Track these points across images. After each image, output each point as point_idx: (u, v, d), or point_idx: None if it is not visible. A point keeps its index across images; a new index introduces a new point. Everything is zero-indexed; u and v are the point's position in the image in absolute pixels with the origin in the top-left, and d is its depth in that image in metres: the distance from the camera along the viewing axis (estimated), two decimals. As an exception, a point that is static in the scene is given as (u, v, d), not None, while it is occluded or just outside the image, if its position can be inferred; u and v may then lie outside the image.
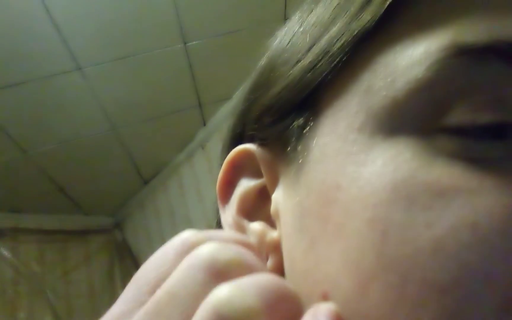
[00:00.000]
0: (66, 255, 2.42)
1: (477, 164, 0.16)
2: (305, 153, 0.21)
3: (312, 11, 0.23)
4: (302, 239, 0.20)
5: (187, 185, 2.19)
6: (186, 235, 0.18)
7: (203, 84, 1.85)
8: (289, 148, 0.22)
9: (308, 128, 0.21)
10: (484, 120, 0.16)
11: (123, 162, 2.16)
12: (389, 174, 0.17)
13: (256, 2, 1.56)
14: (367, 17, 0.19)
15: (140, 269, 0.18)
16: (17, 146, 1.84)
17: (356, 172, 0.18)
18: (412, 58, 0.17)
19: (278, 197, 0.23)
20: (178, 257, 0.17)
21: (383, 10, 0.18)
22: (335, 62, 0.20)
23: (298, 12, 0.25)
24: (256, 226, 0.23)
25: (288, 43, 0.23)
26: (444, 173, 0.16)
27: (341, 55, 0.19)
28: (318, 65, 0.20)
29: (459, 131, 0.16)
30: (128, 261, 2.48)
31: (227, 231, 0.22)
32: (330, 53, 0.20)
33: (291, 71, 0.22)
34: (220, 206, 0.25)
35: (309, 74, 0.21)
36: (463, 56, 0.16)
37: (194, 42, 1.66)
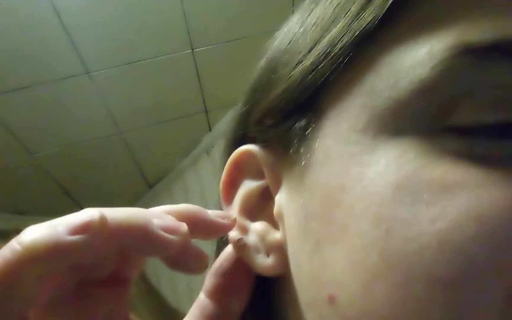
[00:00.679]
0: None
1: (482, 161, 0.16)
2: (308, 155, 0.21)
3: (312, 11, 0.23)
4: (307, 242, 0.20)
5: (192, 190, 2.19)
6: None
7: (210, 90, 1.86)
8: (291, 150, 0.22)
9: (310, 129, 0.21)
10: (489, 120, 0.16)
11: (128, 166, 2.17)
12: (392, 173, 0.17)
13: (264, 9, 1.56)
14: (369, 17, 0.19)
15: None
16: (24, 148, 1.85)
17: (360, 173, 0.18)
18: (415, 58, 0.17)
19: (282, 199, 0.22)
20: None
21: (384, 10, 0.18)
22: (336, 63, 0.19)
23: (298, 12, 0.24)
24: (258, 226, 0.23)
25: (288, 44, 0.23)
26: (449, 170, 0.16)
27: (342, 56, 0.19)
28: (320, 66, 0.20)
29: (464, 131, 0.16)
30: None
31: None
32: (332, 54, 0.20)
33: (292, 73, 0.22)
34: (224, 207, 0.25)
35: (310, 76, 0.20)
36: (467, 55, 0.16)
37: (201, 48, 1.66)
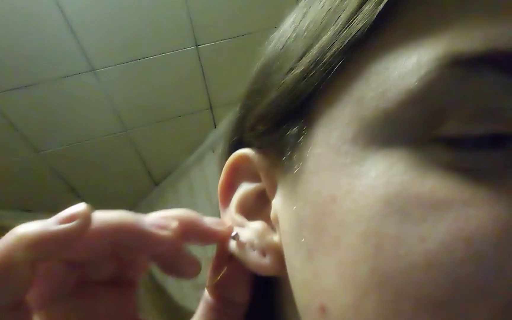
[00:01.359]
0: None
1: (471, 174, 0.15)
2: (300, 163, 0.21)
3: (305, 14, 0.22)
4: (300, 250, 0.20)
5: (197, 188, 2.19)
6: None
7: (215, 86, 1.86)
8: (284, 157, 0.22)
9: (302, 137, 0.21)
10: (478, 131, 0.16)
11: (133, 163, 2.17)
12: (382, 187, 0.17)
13: (268, 6, 1.56)
14: (358, 24, 0.18)
15: None
16: (30, 146, 1.86)
17: (350, 184, 0.18)
18: (404, 68, 0.17)
19: (277, 204, 0.23)
20: None
21: (374, 17, 0.18)
22: (327, 71, 0.19)
23: (293, 13, 0.24)
24: (257, 224, 0.23)
25: (281, 49, 0.23)
26: (438, 184, 0.16)
27: (332, 64, 0.19)
28: (310, 74, 0.20)
29: (453, 142, 0.16)
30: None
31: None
32: (322, 62, 0.19)
33: (284, 80, 0.22)
34: (221, 208, 0.26)
35: (301, 83, 0.20)
36: (456, 67, 0.16)
37: (206, 45, 1.66)
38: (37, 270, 0.18)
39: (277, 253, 0.22)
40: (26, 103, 1.68)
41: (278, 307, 0.25)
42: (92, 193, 2.33)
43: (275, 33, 0.26)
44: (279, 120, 0.22)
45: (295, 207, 0.21)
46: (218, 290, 0.24)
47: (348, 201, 0.18)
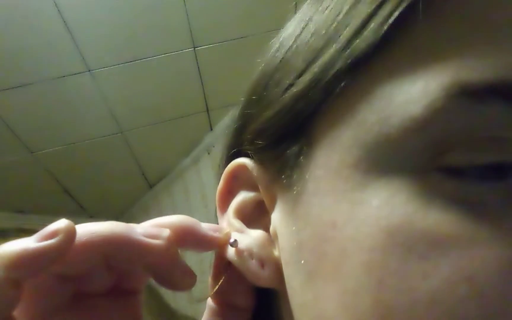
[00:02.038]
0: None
1: (474, 209, 0.15)
2: (301, 184, 0.20)
3: (306, 24, 0.22)
4: (300, 271, 0.20)
5: (192, 190, 2.19)
6: None
7: (211, 89, 1.86)
8: (284, 175, 0.21)
9: (302, 157, 0.20)
10: (481, 161, 0.15)
11: (129, 165, 2.17)
12: (384, 218, 0.16)
13: (266, 9, 1.56)
14: (363, 44, 0.18)
15: None
16: (25, 146, 1.85)
17: (350, 211, 0.17)
18: (408, 94, 0.16)
19: (276, 220, 0.22)
20: None
21: (380, 36, 0.17)
22: (328, 91, 0.19)
23: (294, 20, 0.24)
24: (258, 233, 0.23)
25: (280, 61, 0.23)
26: (441, 219, 0.15)
27: (334, 84, 0.19)
28: (311, 93, 0.19)
29: (456, 172, 0.16)
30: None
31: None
32: (323, 81, 0.19)
33: (283, 96, 0.21)
34: (219, 214, 0.25)
35: (301, 102, 0.20)
36: (463, 96, 0.15)
37: (203, 47, 1.66)
38: (23, 288, 0.18)
39: (276, 267, 0.22)
40: (21, 103, 1.66)
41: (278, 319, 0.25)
42: (85, 195, 2.31)
43: (274, 39, 0.25)
44: (278, 137, 0.22)
45: (294, 228, 0.20)
46: (219, 296, 0.23)
47: (349, 228, 0.17)
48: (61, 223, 0.19)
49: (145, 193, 2.42)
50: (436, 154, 0.16)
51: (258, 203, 0.24)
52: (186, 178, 2.24)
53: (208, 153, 2.13)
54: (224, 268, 0.23)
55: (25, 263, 0.18)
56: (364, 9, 0.18)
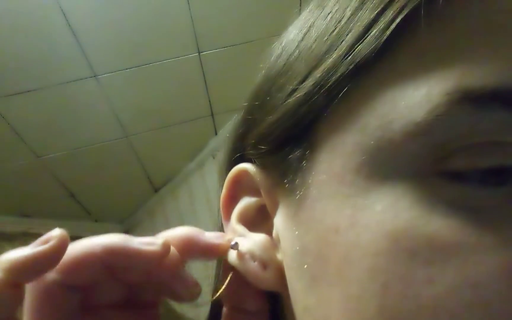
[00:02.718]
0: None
1: (476, 214, 0.15)
2: (303, 188, 0.20)
3: (309, 30, 0.22)
4: (303, 276, 0.20)
5: (197, 194, 2.19)
6: None
7: (216, 93, 1.86)
8: (286, 180, 0.22)
9: (305, 161, 0.20)
10: (483, 164, 0.16)
11: (134, 169, 2.17)
12: (388, 223, 0.16)
13: (270, 13, 1.57)
14: (365, 50, 0.18)
15: None
16: (31, 151, 1.87)
17: (354, 217, 0.17)
18: (411, 99, 0.16)
19: (279, 224, 0.22)
20: None
21: (382, 42, 0.17)
22: (331, 96, 0.19)
23: (296, 25, 0.24)
24: (260, 237, 0.23)
25: (283, 66, 0.23)
26: (444, 225, 0.15)
27: (337, 89, 0.19)
28: (314, 98, 0.20)
29: (458, 176, 0.16)
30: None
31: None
32: (326, 86, 0.19)
33: (286, 101, 0.21)
34: (224, 222, 0.26)
35: (304, 107, 0.20)
36: (466, 102, 0.15)
37: (208, 52, 1.67)
38: (23, 290, 0.20)
39: (279, 270, 0.22)
40: (27, 108, 1.68)
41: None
42: (91, 199, 2.32)
43: (276, 44, 0.25)
44: (281, 142, 0.22)
45: (297, 232, 0.20)
46: (228, 299, 0.24)
47: (352, 234, 0.17)
48: (54, 231, 0.20)
49: (150, 197, 2.43)
50: (439, 159, 0.16)
51: (261, 207, 0.24)
52: (191, 182, 2.24)
53: (213, 158, 2.13)
54: (227, 272, 0.24)
55: (22, 266, 0.19)
56: (366, 16, 0.18)
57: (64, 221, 2.38)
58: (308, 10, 0.24)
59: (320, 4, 0.22)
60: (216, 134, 2.10)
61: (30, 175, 1.99)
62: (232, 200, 0.25)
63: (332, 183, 0.19)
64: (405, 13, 0.17)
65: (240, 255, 0.23)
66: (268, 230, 0.24)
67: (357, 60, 0.18)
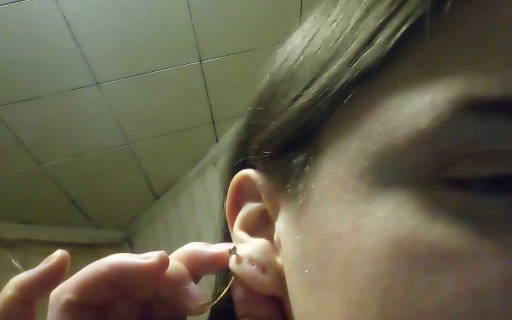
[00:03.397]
0: (76, 267, 2.36)
1: (478, 222, 0.15)
2: (306, 194, 0.20)
3: (313, 36, 0.22)
4: (303, 280, 0.20)
5: (198, 201, 2.19)
6: None
7: (217, 101, 1.87)
8: (288, 184, 0.22)
9: (308, 167, 0.21)
10: (486, 173, 0.16)
11: (135, 176, 2.18)
12: (390, 229, 0.16)
13: (271, 23, 1.58)
14: (370, 57, 0.18)
15: None
16: (33, 158, 1.87)
17: (356, 222, 0.18)
18: (416, 106, 0.17)
19: (280, 228, 0.22)
20: None
21: (387, 50, 0.17)
22: (335, 103, 0.19)
23: (300, 31, 0.24)
24: (259, 241, 0.23)
25: (288, 72, 0.23)
26: (446, 232, 0.16)
27: (341, 96, 0.19)
28: (318, 104, 0.20)
29: (461, 184, 0.16)
30: (136, 276, 2.47)
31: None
32: (330, 93, 0.19)
33: (290, 107, 0.21)
34: (230, 230, 0.26)
35: (308, 113, 0.20)
36: (470, 111, 0.15)
37: (209, 60, 1.68)
38: (34, 307, 0.22)
39: (278, 274, 0.22)
40: (30, 115, 1.69)
41: None
42: (92, 206, 2.32)
43: (280, 50, 0.25)
44: (284, 147, 0.22)
45: (298, 237, 0.21)
46: (238, 308, 0.23)
47: (354, 239, 0.17)
48: (56, 252, 0.23)
49: (151, 204, 2.43)
50: (442, 166, 0.16)
51: (262, 212, 0.24)
52: (192, 189, 2.24)
53: (214, 165, 2.13)
54: (226, 279, 0.24)
55: (28, 283, 0.22)
56: (371, 24, 0.18)
57: (65, 228, 2.38)
58: (313, 17, 0.24)
59: (325, 11, 0.22)
60: (217, 141, 2.11)
61: (31, 182, 2.00)
62: (235, 207, 0.25)
63: (335, 188, 0.19)
64: (411, 22, 0.17)
65: (238, 259, 0.23)
66: (269, 235, 0.24)
67: (362, 67, 0.18)
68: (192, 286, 0.23)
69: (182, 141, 2.03)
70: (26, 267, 0.22)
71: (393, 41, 0.17)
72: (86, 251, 2.47)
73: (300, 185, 0.21)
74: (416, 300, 0.15)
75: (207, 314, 0.25)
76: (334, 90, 0.19)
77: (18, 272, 0.22)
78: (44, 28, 1.41)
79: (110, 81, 1.65)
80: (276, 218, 0.23)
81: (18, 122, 1.70)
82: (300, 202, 0.21)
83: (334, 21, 0.21)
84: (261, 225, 0.24)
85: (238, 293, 0.23)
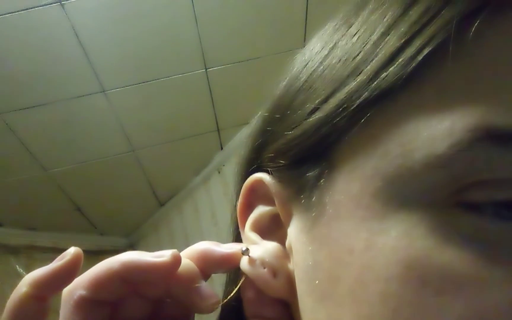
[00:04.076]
0: (80, 274, 2.42)
1: (490, 248, 0.16)
2: (320, 206, 0.21)
3: (334, 46, 0.22)
4: (314, 290, 0.20)
5: (202, 209, 2.19)
6: None
7: (222, 109, 1.88)
8: (303, 195, 0.22)
9: (322, 180, 0.21)
10: (500, 197, 0.16)
11: (140, 183, 2.18)
12: (403, 250, 0.17)
13: (276, 31, 1.59)
14: (390, 78, 0.18)
15: None
16: (38, 164, 1.88)
17: (368, 240, 0.18)
18: (434, 131, 0.17)
19: (292, 235, 0.23)
20: None
21: (407, 73, 0.17)
22: (353, 120, 0.19)
23: (321, 37, 0.24)
24: (272, 244, 0.24)
25: (306, 81, 0.23)
26: (457, 256, 0.16)
27: (360, 114, 0.19)
28: (335, 120, 0.20)
29: (474, 207, 0.16)
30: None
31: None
32: (348, 110, 0.19)
33: (307, 120, 0.21)
34: (240, 230, 0.26)
35: (325, 128, 0.20)
36: (488, 140, 0.16)
37: (214, 68, 1.69)
38: (48, 303, 0.22)
39: (288, 280, 0.22)
40: (36, 122, 1.70)
41: None
42: (97, 213, 2.33)
43: (299, 55, 0.25)
44: (299, 159, 0.22)
45: (310, 248, 0.21)
46: (247, 309, 0.24)
47: (366, 257, 0.18)
48: (70, 249, 0.23)
49: (155, 211, 2.43)
50: (456, 191, 0.16)
51: (275, 216, 0.24)
52: (196, 197, 2.24)
53: (218, 172, 2.13)
54: (236, 278, 0.24)
55: (42, 280, 0.22)
56: (393, 42, 0.18)
57: (69, 234, 2.38)
58: (333, 25, 0.24)
59: (347, 20, 0.22)
60: (221, 149, 2.11)
61: (36, 188, 2.01)
62: (247, 208, 0.26)
63: (349, 204, 0.19)
64: (433, 45, 0.17)
65: (251, 261, 0.23)
66: (281, 239, 0.24)
67: (382, 87, 0.18)
68: (203, 285, 0.23)
69: (187, 148, 2.03)
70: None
71: (414, 64, 0.17)
72: (90, 258, 2.46)
73: (314, 197, 0.21)
74: None
75: (217, 312, 0.25)
76: (353, 107, 0.19)
77: (22, 278, 0.22)
78: (52, 36, 1.43)
79: (116, 88, 1.67)
80: (288, 224, 0.23)
81: (24, 129, 1.72)
82: (313, 214, 0.21)
83: (355, 34, 0.21)
84: (272, 228, 0.24)
85: (248, 294, 0.23)
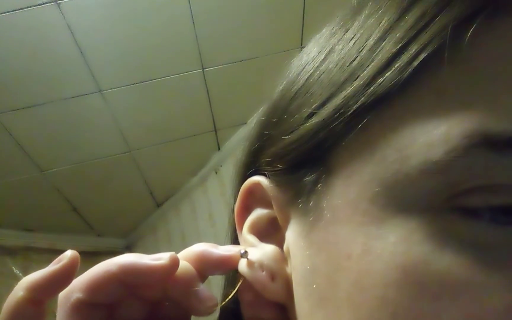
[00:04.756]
0: (77, 275, 2.41)
1: (486, 253, 0.16)
2: (317, 211, 0.21)
3: (331, 50, 0.22)
4: (311, 294, 0.20)
5: (200, 209, 2.18)
6: None
7: (219, 109, 1.87)
8: (300, 200, 0.22)
9: (320, 185, 0.21)
10: (497, 202, 0.16)
11: (137, 184, 2.18)
12: (400, 255, 0.17)
13: (273, 31, 1.59)
14: (386, 83, 0.18)
15: None
16: (35, 165, 1.88)
17: (366, 245, 0.18)
18: (431, 137, 0.17)
19: (290, 239, 0.23)
20: None
21: (403, 78, 0.17)
22: (350, 125, 0.19)
23: (317, 41, 0.24)
24: (270, 248, 0.24)
25: (303, 86, 0.23)
26: (454, 262, 0.16)
27: (356, 119, 0.19)
28: (332, 125, 0.20)
29: (472, 212, 0.16)
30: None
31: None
32: (345, 116, 0.19)
33: (304, 124, 0.21)
34: (238, 232, 0.26)
35: (322, 133, 0.20)
36: (484, 147, 0.16)
37: (211, 68, 1.69)
38: (44, 307, 0.22)
39: (286, 283, 0.22)
40: (33, 123, 1.70)
41: None
42: (94, 213, 2.32)
43: (295, 59, 0.25)
44: (297, 163, 0.22)
45: (308, 252, 0.21)
46: (245, 311, 0.24)
47: (364, 261, 0.18)
48: (66, 252, 0.22)
49: (152, 212, 2.43)
50: (452, 196, 0.16)
51: (272, 219, 0.25)
52: (194, 197, 2.24)
53: (216, 173, 2.13)
54: (234, 281, 0.24)
55: (39, 284, 0.21)
56: (389, 47, 0.18)
57: (66, 236, 2.37)
58: (330, 29, 0.24)
59: (343, 25, 0.22)
60: (219, 149, 2.11)
61: (33, 189, 2.00)
62: (245, 210, 0.26)
63: (347, 209, 0.19)
64: (429, 50, 0.17)
65: (250, 264, 0.23)
66: (279, 242, 0.24)
67: (379, 92, 0.18)
68: (201, 288, 0.23)
69: (184, 148, 2.03)
70: (27, 274, 0.22)
71: (410, 69, 0.17)
72: (87, 259, 2.45)
73: (311, 202, 0.21)
74: None
75: (215, 314, 0.25)
76: (349, 112, 0.19)
77: (19, 279, 0.22)
78: (47, 35, 1.42)
79: (112, 88, 1.66)
80: (286, 228, 0.23)
81: (20, 129, 1.71)
82: (311, 218, 0.21)
83: (352, 38, 0.21)
84: (270, 231, 0.25)
85: (245, 296, 0.23)
